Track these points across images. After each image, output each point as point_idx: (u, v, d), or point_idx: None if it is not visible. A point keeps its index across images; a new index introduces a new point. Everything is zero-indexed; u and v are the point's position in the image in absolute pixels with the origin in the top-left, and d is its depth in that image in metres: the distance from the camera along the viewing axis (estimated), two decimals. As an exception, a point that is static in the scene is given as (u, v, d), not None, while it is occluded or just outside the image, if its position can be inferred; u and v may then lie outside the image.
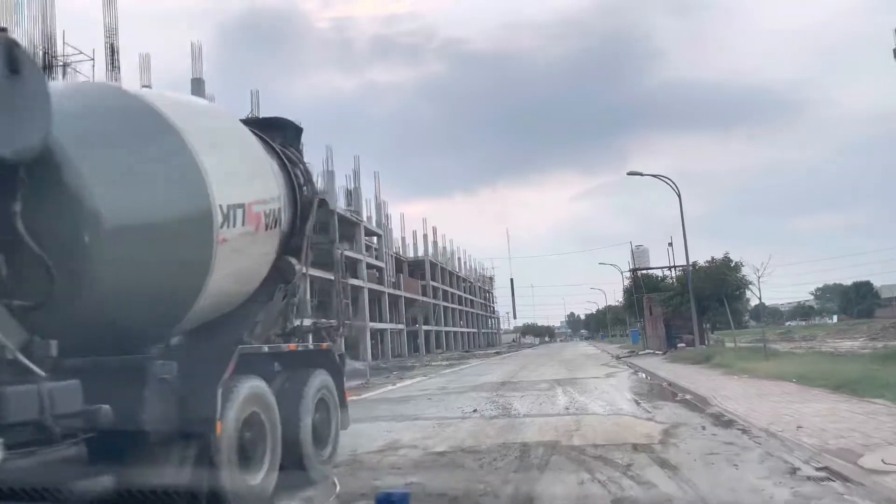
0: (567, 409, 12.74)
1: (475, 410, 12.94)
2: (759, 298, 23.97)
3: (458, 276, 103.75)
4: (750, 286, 24.67)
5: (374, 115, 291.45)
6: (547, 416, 11.75)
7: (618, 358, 33.60)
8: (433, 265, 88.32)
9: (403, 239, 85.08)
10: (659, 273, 40.46)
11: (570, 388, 17.38)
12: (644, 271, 39.66)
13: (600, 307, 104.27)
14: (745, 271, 24.88)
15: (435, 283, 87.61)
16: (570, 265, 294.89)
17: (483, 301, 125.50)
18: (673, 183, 25.73)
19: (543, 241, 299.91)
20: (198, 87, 37.14)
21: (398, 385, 22.82)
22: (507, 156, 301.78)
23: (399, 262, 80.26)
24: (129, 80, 36.66)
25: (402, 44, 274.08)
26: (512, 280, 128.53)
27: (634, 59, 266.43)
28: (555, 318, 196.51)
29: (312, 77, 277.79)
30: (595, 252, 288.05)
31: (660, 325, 32.05)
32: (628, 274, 40.83)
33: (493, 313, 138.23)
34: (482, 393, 17.05)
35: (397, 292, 70.26)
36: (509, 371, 27.23)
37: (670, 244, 38.18)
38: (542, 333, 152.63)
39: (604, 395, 15.22)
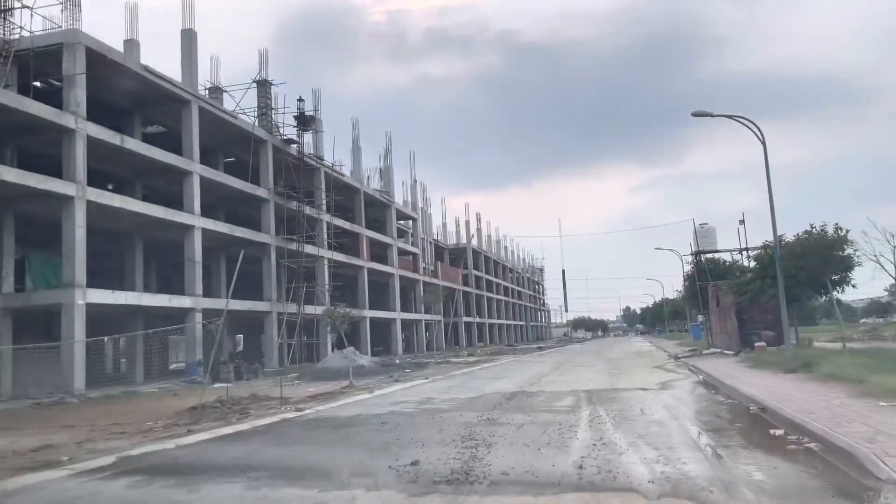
0: (581, 466, 6.62)
1: (414, 463, 6.99)
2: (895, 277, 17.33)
3: (504, 266, 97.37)
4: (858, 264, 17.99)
5: (428, 107, 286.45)
6: (532, 493, 5.75)
7: (676, 358, 27.06)
8: (476, 253, 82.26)
9: (445, 225, 79.45)
10: (727, 257, 33.62)
11: (604, 409, 11.22)
12: (710, 254, 32.82)
13: (658, 299, 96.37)
14: (858, 244, 18.24)
15: (478, 273, 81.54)
16: (626, 258, 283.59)
17: (532, 293, 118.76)
18: (753, 124, 19.07)
19: (599, 233, 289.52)
20: (264, 89, 37.81)
21: (379, 392, 17.07)
22: (563, 147, 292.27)
23: (439, 250, 74.65)
24: (203, 78, 35.72)
25: (456, 36, 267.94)
26: (564, 272, 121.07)
27: (695, 47, 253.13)
28: (609, 312, 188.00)
29: (367, 70, 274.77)
30: (650, 236, 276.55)
31: (731, 318, 25.38)
32: (689, 259, 34.23)
33: (543, 306, 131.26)
34: (469, 415, 11.09)
35: (433, 280, 64.49)
36: (535, 374, 21.13)
37: (742, 222, 31.37)
38: (595, 328, 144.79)
39: (653, 428, 9.04)
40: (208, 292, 37.63)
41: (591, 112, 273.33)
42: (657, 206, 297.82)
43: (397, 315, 53.98)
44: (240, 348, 51.58)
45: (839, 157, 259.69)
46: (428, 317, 63.14)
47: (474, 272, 79.39)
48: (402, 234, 61.91)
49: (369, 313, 48.67)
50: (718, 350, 27.48)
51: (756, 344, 21.54)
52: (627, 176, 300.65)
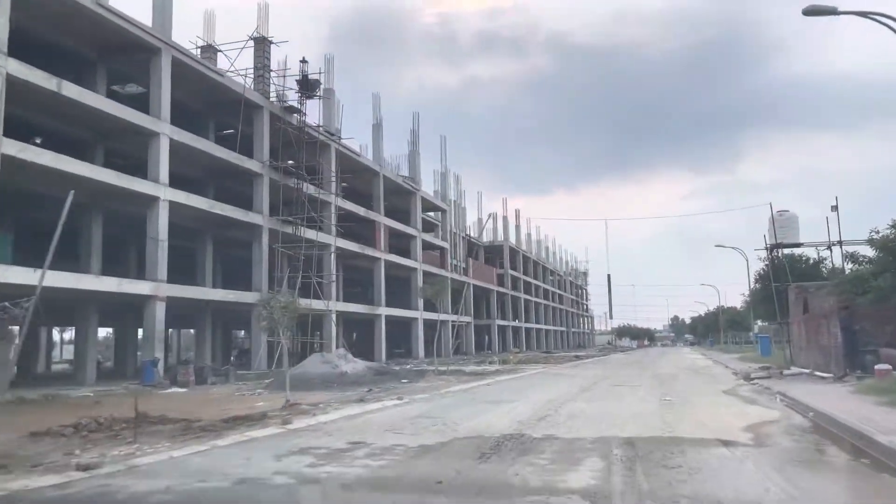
0: None
1: None
2: None
3: (545, 268, 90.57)
4: None
5: (476, 109, 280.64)
6: None
7: (748, 379, 20.48)
8: (513, 252, 75.83)
9: (480, 220, 73.32)
10: (811, 253, 26.70)
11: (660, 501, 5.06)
12: (790, 249, 25.90)
13: (711, 308, 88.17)
14: None
15: (515, 273, 75.08)
16: (675, 266, 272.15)
17: (574, 297, 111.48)
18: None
19: (648, 241, 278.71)
20: (261, 48, 34.01)
21: (309, 422, 11.23)
22: (613, 152, 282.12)
23: (472, 247, 68.55)
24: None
25: (506, 37, 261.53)
26: (609, 276, 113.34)
27: (752, 53, 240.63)
28: (656, 321, 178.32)
29: (418, 70, 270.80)
30: (701, 243, 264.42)
31: (829, 328, 18.68)
32: (761, 256, 27.37)
33: (587, 311, 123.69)
34: (412, 474, 5.07)
35: (462, 278, 58.39)
36: (556, 397, 14.92)
37: (834, 208, 24.40)
38: (641, 336, 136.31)
39: None
40: (192, 280, 32.49)
41: (641, 117, 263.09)
42: (709, 214, 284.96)
43: (419, 314, 48.14)
44: (245, 347, 46.73)
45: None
46: (455, 318, 57.08)
47: (511, 272, 72.99)
48: (431, 227, 56.11)
49: (385, 311, 42.96)
50: (805, 370, 20.70)
51: (877, 367, 14.81)
52: (678, 183, 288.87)
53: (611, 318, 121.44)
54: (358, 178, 44.71)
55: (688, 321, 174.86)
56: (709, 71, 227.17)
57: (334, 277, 36.83)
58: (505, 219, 73.54)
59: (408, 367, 30.09)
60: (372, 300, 43.43)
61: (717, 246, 39.18)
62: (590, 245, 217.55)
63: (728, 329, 62.18)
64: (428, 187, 55.02)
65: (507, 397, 14.85)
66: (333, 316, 36.49)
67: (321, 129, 36.49)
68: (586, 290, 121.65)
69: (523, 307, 77.70)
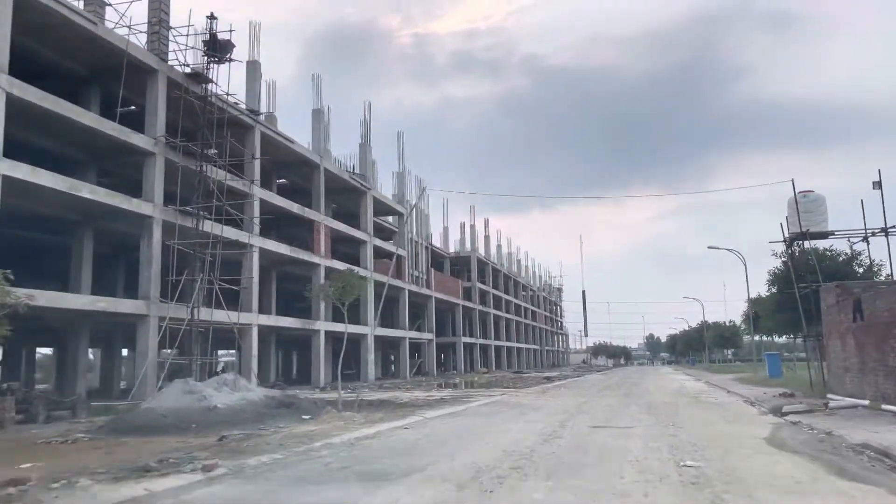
0: None
1: None
2: None
3: (517, 282, 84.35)
4: None
5: (452, 129, 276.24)
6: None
7: (779, 414, 14.28)
8: (482, 264, 69.51)
9: (446, 230, 67.03)
10: (843, 247, 20.76)
11: None
12: (814, 242, 19.73)
13: (691, 325, 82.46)
14: None
15: (483, 286, 68.71)
16: (650, 284, 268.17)
17: (548, 314, 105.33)
18: None
19: (621, 259, 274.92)
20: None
21: None
22: (587, 172, 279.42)
23: (437, 257, 62.15)
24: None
25: (482, 59, 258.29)
26: (584, 292, 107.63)
27: (722, 75, 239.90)
28: (631, 340, 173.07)
29: (394, 91, 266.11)
30: (674, 262, 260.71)
31: (889, 341, 12.63)
32: (775, 252, 21.20)
33: (561, 329, 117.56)
34: None
35: (423, 290, 51.88)
36: (500, 457, 8.48)
37: (877, 184, 18.42)
38: (617, 355, 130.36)
39: None
40: (64, 285, 25.66)
41: (615, 137, 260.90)
42: (682, 234, 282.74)
43: (369, 330, 41.44)
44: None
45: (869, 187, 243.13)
46: (415, 335, 50.44)
47: (479, 285, 66.60)
48: (387, 233, 49.63)
49: (324, 325, 36.20)
50: (861, 401, 14.50)
51: None
52: (652, 202, 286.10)
53: (586, 335, 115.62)
54: (296, 173, 38.28)
55: (663, 339, 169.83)
56: (680, 92, 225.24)
57: (255, 285, 30.10)
58: (472, 228, 67.32)
59: (348, 391, 23.23)
60: (309, 312, 36.69)
61: (710, 248, 33.45)
62: (564, 262, 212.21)
63: (714, 346, 56.08)
64: (387, 188, 48.68)
65: (410, 464, 8.32)
66: (254, 331, 29.74)
67: (238, 104, 29.98)
68: (560, 306, 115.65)
69: (492, 324, 71.26)
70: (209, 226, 26.16)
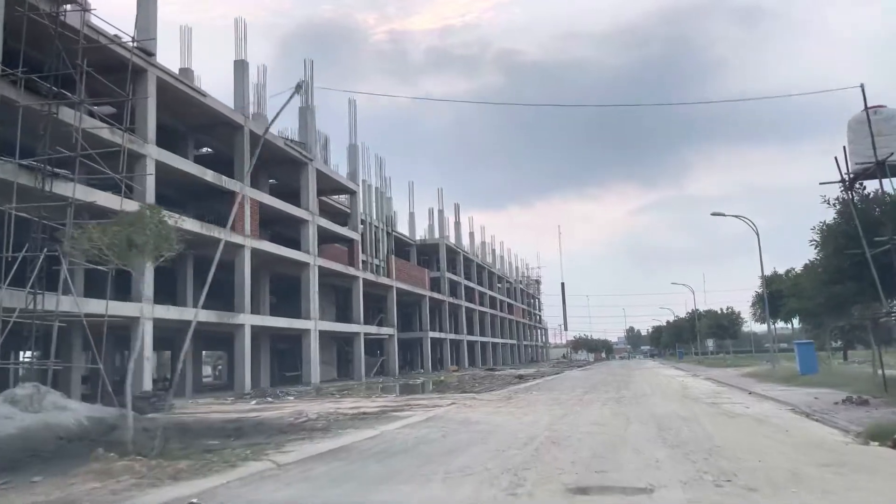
0: None
1: None
2: None
3: (492, 273, 78.11)
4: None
5: (429, 126, 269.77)
6: None
7: (868, 442, 8.06)
8: (453, 252, 63.13)
9: (412, 215, 60.52)
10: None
11: None
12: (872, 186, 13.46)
13: (677, 315, 76.77)
14: None
15: (454, 277, 62.35)
16: (629, 278, 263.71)
17: (526, 307, 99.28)
18: None
19: (600, 255, 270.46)
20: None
21: None
22: (564, 168, 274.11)
23: (402, 245, 55.70)
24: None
25: (457, 55, 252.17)
26: (563, 284, 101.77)
27: (696, 70, 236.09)
28: (611, 334, 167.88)
29: (370, 87, 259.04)
30: (652, 257, 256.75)
31: None
32: (826, 199, 15.05)
33: (540, 322, 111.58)
34: None
35: (382, 280, 45.41)
36: None
37: None
38: (598, 349, 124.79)
39: None
40: None
41: (591, 133, 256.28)
42: (659, 228, 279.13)
43: (312, 324, 34.87)
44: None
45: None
46: (372, 330, 43.95)
47: (449, 275, 60.21)
48: (344, 217, 43.04)
49: (250, 319, 29.58)
50: None
51: None
52: (629, 197, 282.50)
53: (565, 329, 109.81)
54: (220, 138, 31.64)
55: (644, 332, 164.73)
56: (656, 87, 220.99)
57: (147, 269, 23.40)
58: (441, 213, 60.86)
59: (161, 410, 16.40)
60: (231, 303, 30.04)
61: (713, 214, 27.04)
62: (543, 259, 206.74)
63: (710, 336, 50.04)
64: (350, 174, 42.07)
65: None
66: (143, 327, 23.06)
67: (125, 40, 23.25)
68: (539, 300, 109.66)
69: (464, 317, 64.94)
70: (69, 188, 19.48)
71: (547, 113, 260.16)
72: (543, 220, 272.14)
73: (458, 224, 65.71)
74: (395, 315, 48.40)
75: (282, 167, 36.17)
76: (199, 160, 29.95)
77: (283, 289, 39.35)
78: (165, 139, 26.55)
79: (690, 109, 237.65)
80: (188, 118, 29.31)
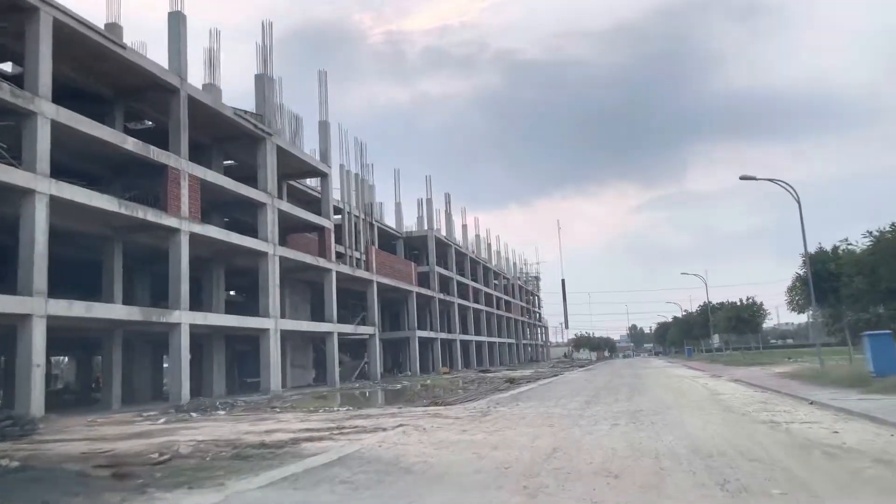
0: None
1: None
2: None
3: (486, 268, 73.09)
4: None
5: (428, 126, 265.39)
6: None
7: None
8: (444, 246, 58.15)
9: (399, 205, 55.56)
10: None
11: None
12: None
13: (686, 311, 71.61)
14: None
15: (445, 272, 57.36)
16: (630, 276, 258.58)
17: (525, 305, 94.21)
18: None
19: (600, 253, 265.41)
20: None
21: None
22: (564, 167, 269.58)
23: (385, 236, 50.76)
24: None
25: (455, 54, 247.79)
26: (563, 281, 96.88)
27: (694, 67, 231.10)
28: (613, 331, 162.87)
29: (368, 89, 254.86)
30: (653, 254, 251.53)
31: None
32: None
33: (540, 321, 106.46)
34: None
35: (360, 274, 40.47)
36: None
37: None
38: (601, 347, 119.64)
39: None
40: None
41: (591, 131, 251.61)
42: (659, 226, 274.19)
43: (271, 324, 29.88)
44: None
45: (840, 176, 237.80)
46: (345, 328, 38.96)
47: (439, 270, 55.20)
48: (315, 204, 38.10)
49: (189, 317, 24.59)
50: None
51: None
52: (628, 195, 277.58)
53: (566, 327, 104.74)
54: (157, 106, 26.73)
55: (648, 330, 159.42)
56: (654, 85, 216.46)
57: (38, 256, 18.45)
58: (429, 202, 55.84)
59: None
60: (167, 298, 25.06)
61: (743, 178, 21.88)
62: (543, 258, 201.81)
63: (727, 330, 44.70)
64: (322, 154, 37.06)
65: None
66: (33, 327, 18.09)
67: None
68: (538, 297, 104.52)
69: (457, 315, 59.91)
70: None
71: (546, 111, 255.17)
72: (543, 219, 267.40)
73: (449, 215, 60.75)
74: (378, 313, 43.43)
75: (239, 145, 31.32)
76: (139, 136, 24.99)
77: (249, 285, 34.41)
78: (85, 107, 21.73)
79: (689, 106, 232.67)
80: (110, 78, 24.39)
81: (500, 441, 9.58)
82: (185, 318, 24.20)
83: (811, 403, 13.33)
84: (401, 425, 12.02)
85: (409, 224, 57.10)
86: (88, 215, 21.79)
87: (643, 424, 10.95)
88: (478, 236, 71.65)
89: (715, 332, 50.35)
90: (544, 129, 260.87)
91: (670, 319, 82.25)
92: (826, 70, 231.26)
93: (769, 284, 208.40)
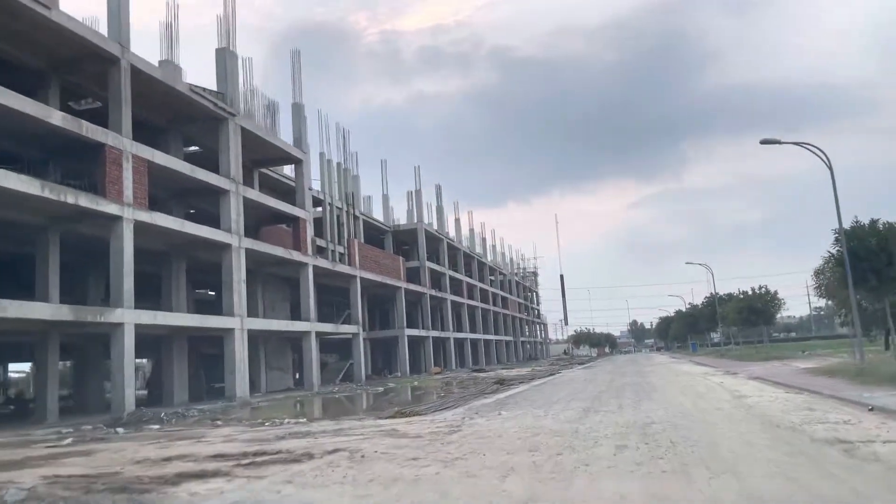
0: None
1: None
2: None
3: (481, 263, 70.00)
4: None
5: (424, 125, 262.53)
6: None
7: None
8: (435, 240, 55.07)
9: (386, 197, 52.49)
10: None
11: None
12: None
13: (690, 304, 68.53)
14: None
15: (436, 267, 54.28)
16: (630, 272, 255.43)
17: (523, 301, 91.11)
18: None
19: (599, 249, 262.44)
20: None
21: None
22: (561, 164, 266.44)
23: (374, 230, 47.74)
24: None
25: (450, 53, 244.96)
26: (562, 276, 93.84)
27: (690, 62, 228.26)
28: (614, 327, 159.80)
29: (363, 89, 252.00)
30: (651, 250, 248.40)
31: None
32: None
33: (538, 317, 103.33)
34: None
35: (342, 269, 37.43)
36: None
37: None
38: (601, 343, 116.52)
39: None
40: None
41: (587, 128, 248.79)
42: (657, 222, 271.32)
43: (236, 323, 26.79)
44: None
45: (840, 169, 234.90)
46: (324, 327, 35.90)
47: (430, 265, 52.11)
48: (292, 195, 35.02)
49: (133, 316, 21.46)
50: None
51: None
52: (626, 192, 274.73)
53: (566, 323, 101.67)
54: (90, 79, 23.64)
55: (647, 326, 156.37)
56: (650, 80, 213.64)
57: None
58: (419, 193, 52.72)
59: None
60: (107, 297, 21.96)
61: (763, 142, 18.59)
62: (541, 254, 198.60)
63: (738, 322, 41.45)
64: (297, 141, 33.96)
65: None
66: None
67: None
68: (537, 293, 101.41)
69: (450, 312, 56.83)
70: None
71: (542, 108, 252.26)
72: (542, 217, 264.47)
73: (440, 209, 57.63)
74: (364, 310, 40.39)
75: (200, 127, 28.25)
76: (84, 117, 21.89)
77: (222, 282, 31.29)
78: (15, 82, 18.74)
79: (686, 102, 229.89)
80: (45, 49, 21.32)
81: (455, 480, 6.51)
82: (128, 317, 21.08)
83: (871, 410, 10.29)
84: (336, 450, 8.94)
85: (404, 220, 54.09)
86: (10, 201, 18.72)
87: (660, 447, 7.89)
88: (472, 231, 68.61)
89: (723, 325, 47.15)
90: (541, 126, 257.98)
91: (672, 314, 79.14)
92: (821, 65, 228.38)
93: (770, 277, 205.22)
